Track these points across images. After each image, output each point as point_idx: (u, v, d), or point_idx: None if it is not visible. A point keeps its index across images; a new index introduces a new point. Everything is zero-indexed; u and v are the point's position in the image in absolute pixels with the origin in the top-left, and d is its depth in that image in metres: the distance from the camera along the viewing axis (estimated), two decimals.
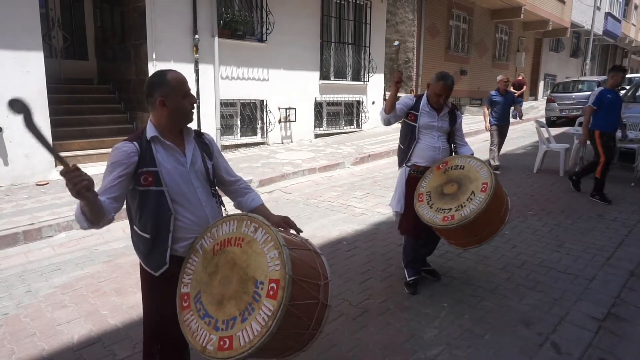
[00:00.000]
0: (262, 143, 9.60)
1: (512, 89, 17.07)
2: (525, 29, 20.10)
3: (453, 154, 3.47)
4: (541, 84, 22.99)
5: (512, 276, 3.66)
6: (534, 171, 7.43)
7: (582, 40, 26.30)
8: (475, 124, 13.11)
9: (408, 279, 3.48)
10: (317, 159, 8.17)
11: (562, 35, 22.01)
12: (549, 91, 18.73)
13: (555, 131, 7.67)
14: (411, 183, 3.33)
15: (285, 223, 1.95)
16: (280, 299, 1.47)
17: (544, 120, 12.28)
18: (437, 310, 3.15)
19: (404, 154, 3.44)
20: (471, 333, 2.87)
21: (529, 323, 2.97)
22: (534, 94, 22.70)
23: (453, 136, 3.46)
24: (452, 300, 3.28)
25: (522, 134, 12.28)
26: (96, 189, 1.60)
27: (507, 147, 9.98)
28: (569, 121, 12.85)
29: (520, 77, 16.96)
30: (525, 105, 18.61)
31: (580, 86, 14.04)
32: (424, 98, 3.36)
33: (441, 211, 2.98)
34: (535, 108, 17.69)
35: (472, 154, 3.41)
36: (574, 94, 13.65)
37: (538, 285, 3.51)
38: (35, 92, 6.31)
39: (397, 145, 3.62)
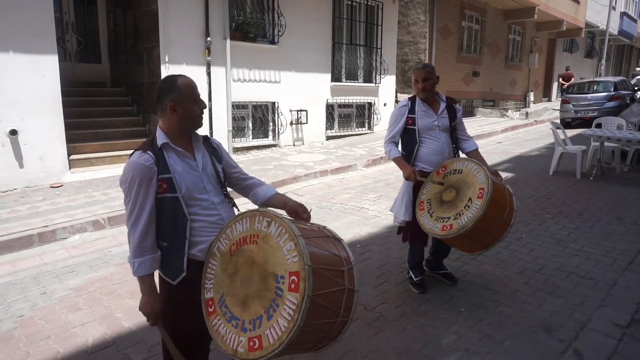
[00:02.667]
0: (274, 145, 9.60)
1: (561, 81, 17.79)
2: (538, 30, 19.87)
3: (453, 153, 3.36)
4: (555, 85, 22.70)
5: (531, 281, 3.58)
6: (549, 173, 7.30)
7: (597, 40, 25.94)
8: (487, 126, 12.98)
9: (415, 279, 3.44)
10: (329, 161, 8.14)
11: (577, 36, 21.71)
12: (560, 94, 18.56)
13: (570, 133, 7.54)
14: (417, 190, 3.22)
15: (302, 209, 1.93)
16: (302, 291, 1.43)
17: (558, 121, 12.09)
18: (455, 315, 3.09)
19: (407, 159, 3.28)
20: (490, 339, 2.80)
21: (550, 329, 2.89)
22: (547, 95, 22.43)
23: (455, 131, 3.32)
24: (470, 305, 3.21)
25: (536, 135, 12.13)
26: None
27: (521, 149, 9.87)
28: (585, 122, 12.66)
29: (569, 71, 18.83)
30: (539, 106, 18.45)
31: (595, 87, 13.81)
32: (418, 98, 3.26)
33: (440, 220, 2.89)
34: (549, 110, 17.47)
35: (477, 148, 3.33)
36: (589, 95, 13.44)
37: (558, 290, 3.42)
38: (50, 95, 6.38)
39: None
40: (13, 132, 6.05)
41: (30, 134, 6.24)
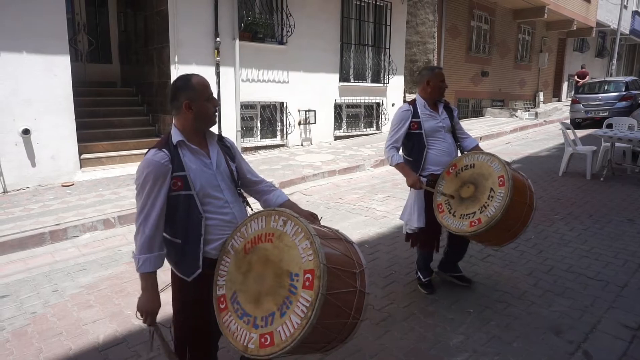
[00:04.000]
0: (282, 145, 9.62)
1: (576, 78, 18.01)
2: (548, 29, 19.71)
3: (459, 152, 3.37)
4: (565, 85, 22.51)
5: (540, 282, 3.56)
6: (559, 174, 7.25)
7: (608, 39, 25.68)
8: (496, 126, 12.91)
9: (423, 280, 3.44)
10: (337, 161, 8.14)
11: (587, 35, 21.50)
12: (573, 92, 18.45)
13: (580, 133, 7.50)
14: (430, 195, 3.19)
15: (313, 217, 1.94)
16: (317, 289, 1.45)
17: (568, 122, 11.98)
18: (463, 316, 3.08)
19: (415, 165, 3.23)
20: (498, 340, 2.79)
21: (559, 331, 2.88)
22: (557, 95, 22.24)
23: (454, 131, 3.34)
24: (478, 306, 3.20)
25: (545, 136, 12.03)
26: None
27: (530, 150, 9.80)
28: (595, 123, 12.54)
29: (584, 69, 19.31)
30: (549, 106, 18.30)
31: (606, 87, 13.66)
32: (420, 101, 3.24)
33: (466, 217, 2.88)
34: (559, 110, 17.32)
35: (477, 145, 3.35)
36: (600, 95, 13.31)
37: (567, 291, 3.40)
38: (62, 95, 6.46)
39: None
40: (26, 132, 6.13)
41: (43, 133, 6.32)
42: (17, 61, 6.01)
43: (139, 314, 1.81)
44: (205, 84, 1.86)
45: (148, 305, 1.78)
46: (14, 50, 5.97)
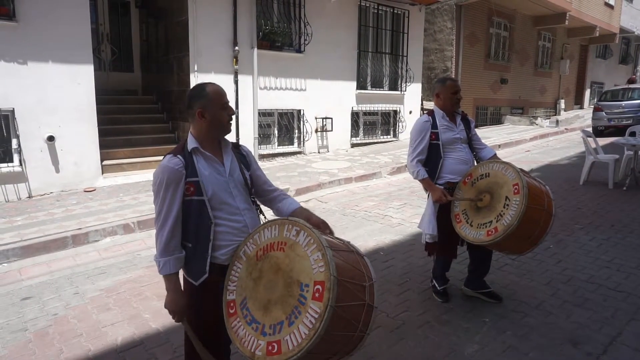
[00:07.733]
0: (299, 152, 9.69)
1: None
2: (569, 36, 19.40)
3: (475, 162, 3.35)
4: (587, 92, 22.09)
5: (558, 292, 3.50)
6: (580, 183, 7.11)
7: (632, 46, 25.15)
8: (516, 134, 12.74)
9: (439, 288, 3.41)
10: (353, 169, 8.15)
11: (610, 42, 21.09)
12: (595, 99, 18.09)
13: (602, 141, 7.35)
14: (447, 203, 3.17)
15: (324, 225, 1.93)
16: (326, 301, 1.46)
17: (590, 129, 11.76)
18: (478, 325, 3.05)
19: (430, 174, 3.21)
20: (514, 350, 2.75)
21: (577, 342, 2.82)
22: (579, 102, 21.84)
23: (471, 142, 3.33)
24: (494, 315, 3.16)
25: (566, 144, 11.82)
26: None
27: (551, 158, 9.65)
28: (618, 131, 12.28)
29: (634, 76, 19.73)
30: (570, 114, 17.99)
31: (630, 94, 13.36)
32: (438, 112, 3.23)
33: (482, 226, 2.87)
34: (581, 117, 17.00)
35: (495, 154, 3.32)
36: (623, 102, 13.02)
37: (586, 302, 3.33)
38: (85, 103, 6.65)
39: None
40: (51, 138, 6.33)
41: (66, 140, 6.51)
42: (44, 70, 6.22)
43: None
44: (220, 93, 1.89)
45: (172, 305, 1.85)
46: (40, 60, 6.18)
